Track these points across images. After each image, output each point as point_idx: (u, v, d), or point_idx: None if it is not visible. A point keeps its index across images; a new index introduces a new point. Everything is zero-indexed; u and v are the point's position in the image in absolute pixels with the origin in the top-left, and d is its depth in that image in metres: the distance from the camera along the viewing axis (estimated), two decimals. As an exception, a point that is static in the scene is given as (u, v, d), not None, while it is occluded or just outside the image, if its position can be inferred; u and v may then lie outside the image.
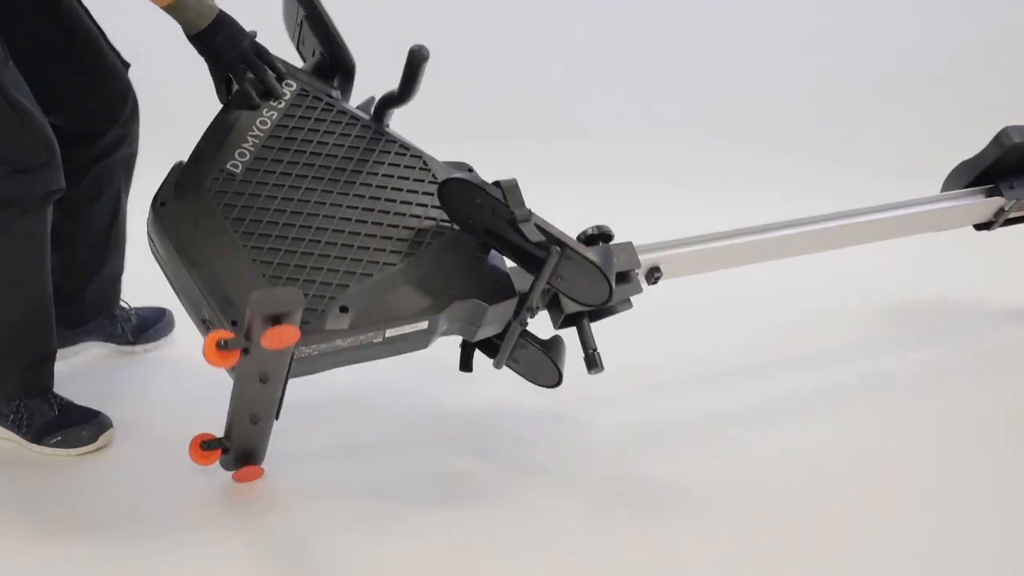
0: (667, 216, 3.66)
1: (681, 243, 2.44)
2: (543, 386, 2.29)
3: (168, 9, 2.11)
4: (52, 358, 2.33)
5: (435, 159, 2.26)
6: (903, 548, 1.97)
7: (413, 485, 2.18)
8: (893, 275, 3.15)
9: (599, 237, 2.31)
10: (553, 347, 2.26)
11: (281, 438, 2.22)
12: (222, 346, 1.86)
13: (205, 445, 2.13)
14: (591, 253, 2.15)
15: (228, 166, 2.14)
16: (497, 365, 2.23)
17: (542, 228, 2.12)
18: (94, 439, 2.26)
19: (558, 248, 2.11)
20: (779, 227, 2.54)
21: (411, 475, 2.21)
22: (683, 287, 2.52)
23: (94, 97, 2.35)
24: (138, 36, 2.72)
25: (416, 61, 2.16)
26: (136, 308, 2.64)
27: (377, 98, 2.29)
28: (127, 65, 2.40)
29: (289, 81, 2.27)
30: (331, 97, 2.28)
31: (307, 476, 2.19)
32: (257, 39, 2.23)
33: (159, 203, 2.09)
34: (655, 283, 2.37)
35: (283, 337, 1.83)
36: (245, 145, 2.18)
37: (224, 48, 2.18)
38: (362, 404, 2.46)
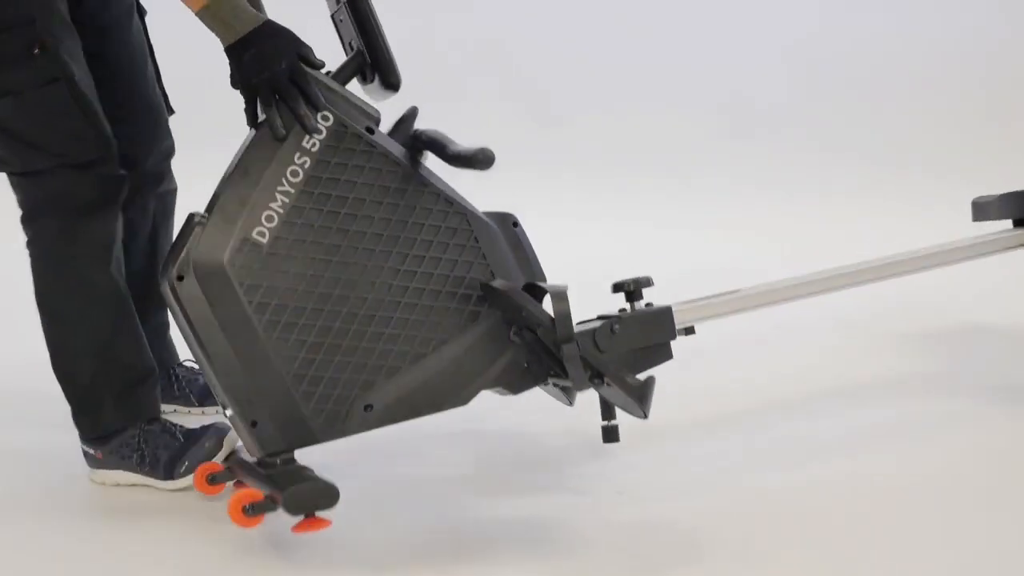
0: (663, 209, 3.73)
1: (719, 303, 2.33)
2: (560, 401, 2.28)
3: (201, 15, 1.94)
4: (150, 379, 2.26)
5: (478, 215, 2.08)
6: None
7: (437, 523, 2.14)
8: (936, 293, 3.05)
9: (635, 293, 2.17)
10: (570, 390, 2.23)
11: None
12: (248, 511, 1.90)
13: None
14: (634, 380, 2.01)
15: (254, 235, 1.94)
16: None
17: (586, 360, 2.00)
18: (219, 448, 2.21)
19: (599, 381, 2.05)
20: (820, 279, 2.45)
21: (434, 509, 2.18)
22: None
23: (131, 124, 2.30)
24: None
25: (475, 166, 1.96)
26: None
27: (417, 127, 2.10)
28: (171, 111, 2.39)
29: (326, 113, 1.99)
30: (370, 133, 2.02)
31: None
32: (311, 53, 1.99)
33: (176, 277, 1.92)
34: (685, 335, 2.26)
35: (315, 526, 1.89)
36: (273, 205, 1.95)
37: (251, 68, 1.94)
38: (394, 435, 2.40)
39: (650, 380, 2.03)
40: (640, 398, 2.00)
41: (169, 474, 2.23)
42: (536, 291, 2.11)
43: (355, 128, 2.01)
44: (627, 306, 2.21)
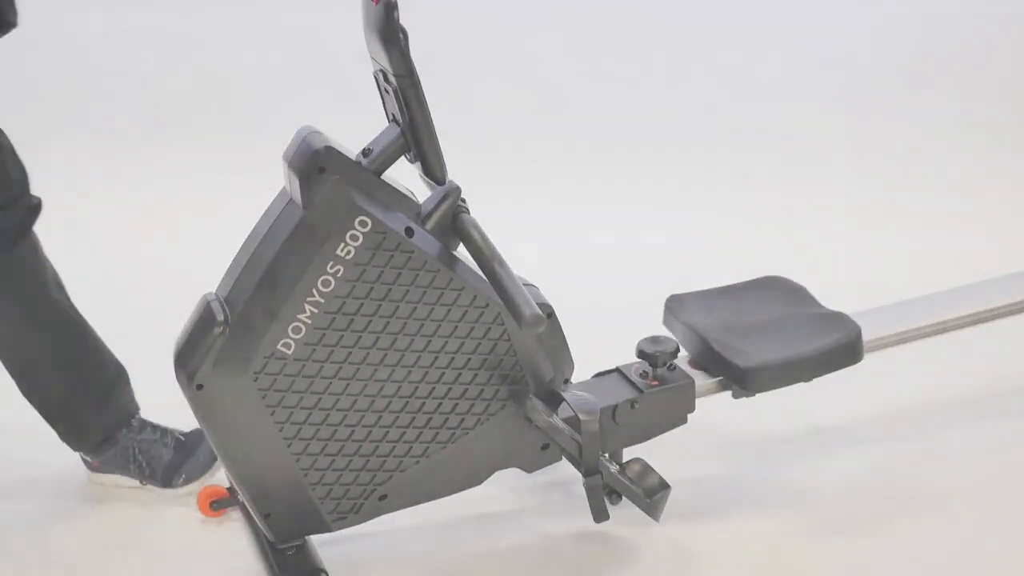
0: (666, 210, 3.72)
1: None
2: None
3: None
4: (121, 379, 2.26)
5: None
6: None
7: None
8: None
9: (661, 358, 2.14)
10: None
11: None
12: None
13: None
14: (650, 495, 2.01)
15: (279, 347, 1.86)
16: None
17: (604, 482, 2.01)
18: (214, 459, 2.24)
19: (616, 497, 2.08)
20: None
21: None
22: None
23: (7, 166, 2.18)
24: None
25: (520, 322, 1.83)
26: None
27: (459, 204, 1.95)
28: None
29: (364, 219, 1.85)
30: (409, 234, 1.90)
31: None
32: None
33: (196, 386, 1.85)
34: None
35: None
36: (302, 317, 1.85)
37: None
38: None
39: (665, 492, 2.03)
40: (653, 509, 2.02)
41: (167, 483, 2.26)
42: (557, 397, 2.07)
43: (394, 233, 1.88)
44: (647, 367, 2.20)
